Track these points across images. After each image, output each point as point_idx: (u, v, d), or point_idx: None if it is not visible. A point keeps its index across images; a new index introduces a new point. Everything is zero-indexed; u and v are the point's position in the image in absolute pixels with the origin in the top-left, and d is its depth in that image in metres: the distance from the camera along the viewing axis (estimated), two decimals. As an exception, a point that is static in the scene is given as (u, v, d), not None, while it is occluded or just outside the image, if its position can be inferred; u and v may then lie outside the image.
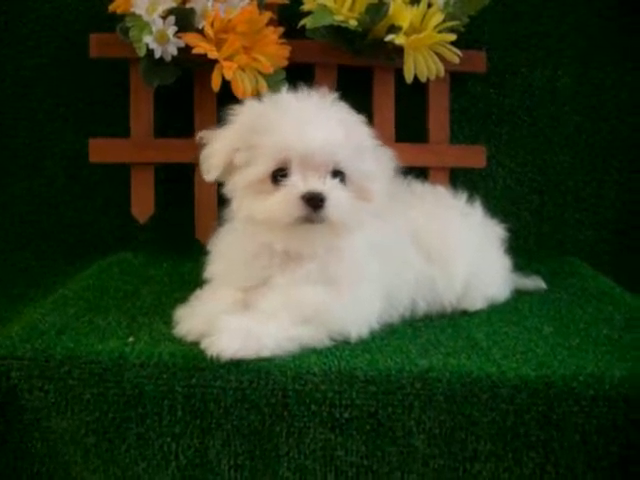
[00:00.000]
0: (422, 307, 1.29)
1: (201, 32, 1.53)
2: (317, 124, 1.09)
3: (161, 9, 1.51)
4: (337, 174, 1.11)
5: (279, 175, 1.09)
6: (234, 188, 1.15)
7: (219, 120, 1.18)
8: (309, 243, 1.13)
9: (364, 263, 1.18)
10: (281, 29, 1.61)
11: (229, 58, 1.52)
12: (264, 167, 1.10)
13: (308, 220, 1.07)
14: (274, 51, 1.57)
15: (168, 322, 1.16)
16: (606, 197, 1.92)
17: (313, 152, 1.08)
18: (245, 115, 1.14)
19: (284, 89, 1.18)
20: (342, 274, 1.15)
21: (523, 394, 1.03)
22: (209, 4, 1.53)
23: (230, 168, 1.13)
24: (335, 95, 1.18)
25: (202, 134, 1.17)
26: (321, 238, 1.12)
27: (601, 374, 1.05)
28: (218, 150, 1.13)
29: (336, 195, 1.09)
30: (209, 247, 1.24)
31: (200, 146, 1.17)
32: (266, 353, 1.04)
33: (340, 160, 1.11)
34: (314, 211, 1.07)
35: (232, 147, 1.12)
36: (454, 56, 1.64)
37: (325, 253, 1.15)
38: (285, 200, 1.07)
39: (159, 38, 1.50)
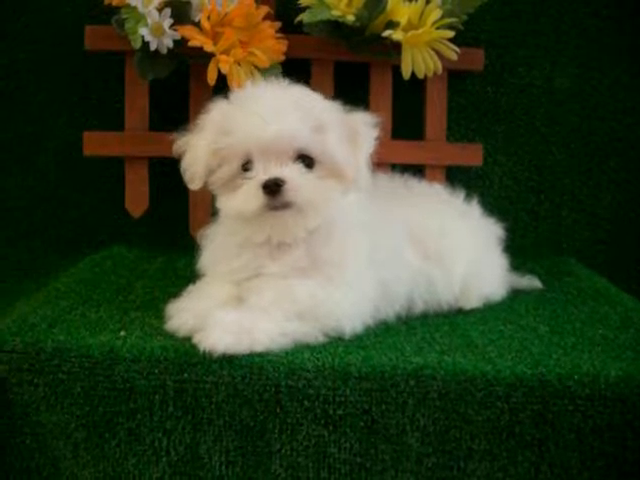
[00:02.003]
0: (419, 306, 1.29)
1: (197, 25, 1.52)
2: (271, 114, 1.10)
3: (157, 1, 1.49)
4: (303, 158, 1.12)
5: (246, 169, 1.12)
6: (213, 187, 1.17)
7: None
8: (283, 230, 1.13)
9: (352, 243, 1.18)
10: (278, 24, 1.60)
11: (225, 52, 1.51)
12: (233, 165, 1.13)
13: (272, 208, 1.09)
14: (271, 45, 1.56)
15: (160, 317, 1.15)
16: (602, 197, 1.92)
17: (269, 142, 1.09)
18: (212, 118, 1.16)
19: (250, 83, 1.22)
20: (330, 256, 1.15)
21: (518, 393, 1.03)
22: (206, -3, 1.52)
23: (208, 170, 1.16)
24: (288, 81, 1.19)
25: (177, 142, 1.18)
26: (293, 223, 1.12)
27: (597, 373, 1.04)
28: (196, 159, 1.15)
29: (296, 179, 1.09)
30: (200, 239, 1.25)
31: (176, 154, 1.19)
32: (259, 348, 1.03)
33: (301, 144, 1.11)
34: (274, 198, 1.08)
35: (207, 153, 1.14)
36: (452, 53, 1.63)
37: (311, 237, 1.15)
38: (247, 192, 1.10)
39: (155, 30, 1.49)
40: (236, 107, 1.15)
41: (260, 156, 1.11)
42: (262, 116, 1.10)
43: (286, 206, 1.09)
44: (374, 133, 1.18)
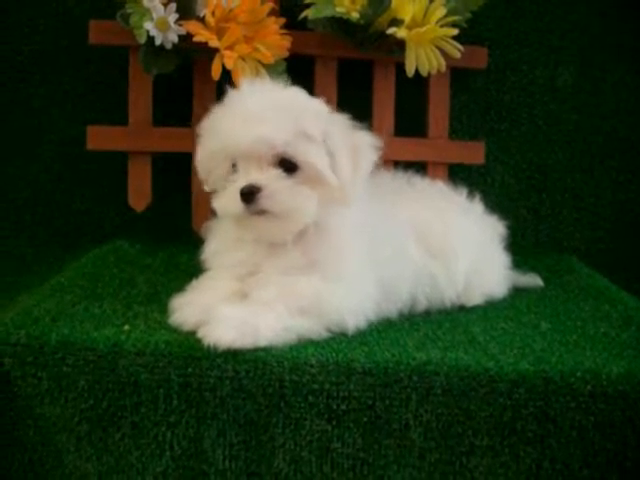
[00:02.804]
0: (422, 303, 1.29)
1: (202, 20, 1.51)
2: (252, 118, 1.10)
3: (162, -4, 1.49)
4: (284, 163, 1.11)
5: (233, 172, 1.14)
6: (213, 187, 1.20)
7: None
8: (266, 234, 1.14)
9: (348, 243, 1.18)
10: (283, 20, 1.60)
11: (230, 47, 1.51)
12: (224, 166, 1.15)
13: (251, 212, 1.10)
14: (275, 41, 1.55)
15: (164, 311, 1.14)
16: (603, 196, 1.92)
17: (248, 147, 1.10)
18: (208, 122, 1.18)
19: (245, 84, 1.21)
20: (325, 256, 1.15)
21: (521, 389, 1.03)
22: (211, -8, 1.52)
23: (209, 171, 1.19)
24: (287, 83, 1.21)
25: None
26: (273, 228, 1.12)
27: (599, 371, 1.05)
28: (199, 164, 1.20)
29: (271, 186, 1.09)
30: (204, 232, 1.26)
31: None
32: (263, 343, 1.03)
33: (283, 150, 1.11)
34: (249, 204, 1.09)
35: (206, 155, 1.17)
36: (455, 51, 1.63)
37: (305, 238, 1.15)
38: (230, 195, 1.12)
39: (160, 25, 1.49)
40: (225, 109, 1.16)
41: (242, 160, 1.12)
42: (243, 121, 1.10)
43: (261, 212, 1.10)
44: (375, 156, 1.17)
